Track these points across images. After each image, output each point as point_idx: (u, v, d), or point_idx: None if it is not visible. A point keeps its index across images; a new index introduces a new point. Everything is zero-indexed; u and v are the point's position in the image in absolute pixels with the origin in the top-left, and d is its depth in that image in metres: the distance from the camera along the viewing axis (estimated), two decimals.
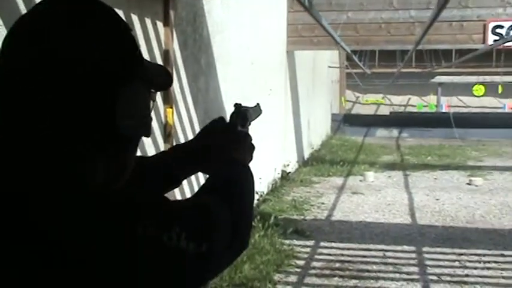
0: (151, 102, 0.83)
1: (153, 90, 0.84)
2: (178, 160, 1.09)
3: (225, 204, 0.84)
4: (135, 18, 3.66)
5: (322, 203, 7.64)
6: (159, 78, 0.85)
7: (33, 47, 0.71)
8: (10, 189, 0.68)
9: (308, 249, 5.44)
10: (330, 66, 16.30)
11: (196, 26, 4.86)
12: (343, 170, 10.40)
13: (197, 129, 4.93)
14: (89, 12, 0.75)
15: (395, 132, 18.38)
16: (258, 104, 1.28)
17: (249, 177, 1.00)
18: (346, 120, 18.98)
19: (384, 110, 23.35)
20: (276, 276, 4.59)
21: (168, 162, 1.09)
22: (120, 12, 3.45)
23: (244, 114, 1.15)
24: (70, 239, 0.66)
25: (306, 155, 11.89)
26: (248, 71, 6.73)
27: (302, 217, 6.79)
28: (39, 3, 0.76)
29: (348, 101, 23.89)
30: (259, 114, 1.25)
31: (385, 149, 14.44)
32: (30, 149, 0.71)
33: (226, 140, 1.07)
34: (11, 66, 0.72)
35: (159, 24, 4.03)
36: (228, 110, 5.80)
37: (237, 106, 1.15)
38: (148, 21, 3.87)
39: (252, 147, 1.12)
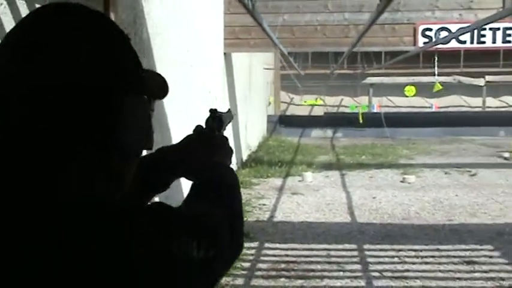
0: (151, 112, 0.80)
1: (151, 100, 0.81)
2: (167, 164, 1.10)
3: (223, 208, 0.85)
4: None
5: (264, 204, 7.69)
6: (157, 87, 0.83)
7: (32, 58, 0.69)
8: (11, 189, 0.68)
9: (253, 251, 5.45)
10: (265, 68, 16.45)
11: (136, 28, 4.77)
12: (282, 171, 10.51)
13: None
14: (87, 23, 0.73)
15: (329, 132, 18.79)
16: (229, 109, 1.29)
17: (236, 178, 1.01)
18: (281, 121, 19.21)
19: (318, 111, 23.80)
20: (223, 280, 4.57)
21: (159, 167, 1.09)
22: None
23: (219, 119, 1.15)
24: (70, 239, 0.64)
25: (244, 156, 11.93)
26: (188, 74, 6.68)
27: (245, 219, 6.79)
28: (40, 13, 0.75)
29: (283, 102, 24.19)
30: (231, 119, 1.25)
31: (320, 149, 14.72)
32: (30, 148, 0.69)
33: (208, 144, 1.08)
34: (11, 71, 0.70)
35: None
36: (169, 114, 5.75)
37: (213, 111, 1.15)
38: None
39: (231, 151, 1.13)
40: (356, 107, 23.09)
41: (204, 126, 1.13)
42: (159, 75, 0.86)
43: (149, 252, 0.67)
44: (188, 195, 0.91)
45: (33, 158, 0.69)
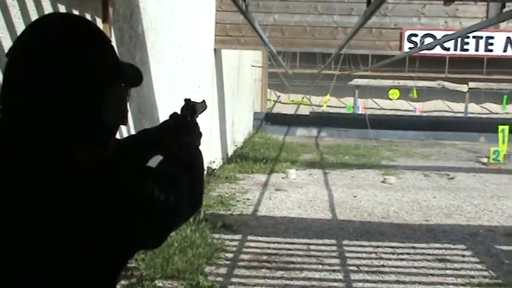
0: (127, 97, 1.07)
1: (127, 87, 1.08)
2: (148, 143, 1.38)
3: (187, 172, 1.12)
4: (76, 13, 3.70)
5: (248, 199, 7.88)
6: (132, 76, 1.09)
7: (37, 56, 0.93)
8: (34, 163, 0.91)
9: (236, 243, 5.64)
10: (253, 66, 16.61)
11: (132, 22, 4.92)
12: (266, 168, 10.71)
13: (131, 124, 5.00)
14: (79, 30, 0.98)
15: (314, 131, 19.02)
16: (204, 100, 1.54)
17: (200, 154, 1.29)
18: (267, 119, 19.40)
19: (304, 110, 24.03)
20: (207, 269, 4.76)
21: (141, 145, 1.38)
22: (62, 8, 3.49)
23: (192, 107, 1.40)
24: (74, 188, 0.90)
25: (230, 152, 12.11)
26: (179, 68, 6.84)
27: (229, 212, 7.00)
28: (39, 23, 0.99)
29: (273, 100, 24.40)
30: (204, 109, 1.49)
31: (305, 147, 14.94)
32: (36, 133, 0.93)
33: (179, 127, 1.34)
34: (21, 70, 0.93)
35: (99, 21, 4.07)
36: (160, 107, 5.90)
37: (187, 100, 1.40)
38: (88, 18, 3.91)
39: (200, 134, 1.40)
40: (352, 107, 23.35)
41: (179, 113, 1.38)
42: (135, 67, 1.12)
43: (125, 191, 0.93)
44: (162, 160, 1.20)
45: (39, 133, 0.93)
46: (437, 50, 9.75)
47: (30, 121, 0.92)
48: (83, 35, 0.97)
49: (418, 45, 9.00)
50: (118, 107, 1.01)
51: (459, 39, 9.55)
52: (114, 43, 4.40)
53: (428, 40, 9.06)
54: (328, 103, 18.41)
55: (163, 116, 6.04)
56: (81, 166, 0.92)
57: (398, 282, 4.69)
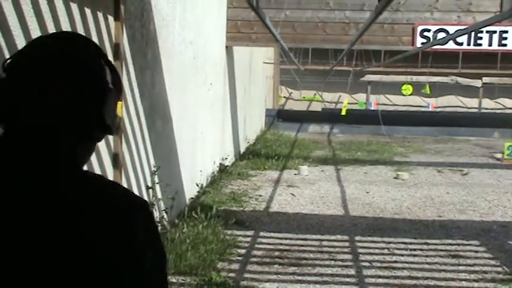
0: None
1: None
2: None
3: None
4: (88, 12, 3.73)
5: (260, 195, 7.89)
6: (118, 83, 1.09)
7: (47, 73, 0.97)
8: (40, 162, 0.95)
9: (248, 239, 5.66)
10: (265, 62, 16.61)
11: (144, 20, 4.95)
12: (278, 164, 10.72)
13: (144, 123, 5.04)
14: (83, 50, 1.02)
15: (326, 128, 18.98)
16: None
17: None
18: (280, 116, 19.39)
19: (316, 107, 23.98)
20: (219, 264, 4.78)
21: None
22: (74, 7, 3.52)
23: None
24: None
25: (242, 149, 12.13)
26: (191, 66, 6.86)
27: (241, 209, 7.02)
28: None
29: (284, 97, 24.38)
30: None
31: (317, 144, 14.93)
32: (46, 137, 0.97)
33: None
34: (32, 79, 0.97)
35: (110, 19, 4.10)
36: (172, 104, 5.93)
37: None
38: (100, 15, 3.94)
39: None
40: (364, 103, 23.22)
41: None
42: (118, 73, 1.11)
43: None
44: None
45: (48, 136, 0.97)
46: (451, 45, 9.66)
47: (49, 124, 0.97)
48: (87, 49, 1.02)
49: (431, 40, 8.94)
50: (113, 113, 1.05)
51: (472, 34, 9.46)
52: (126, 41, 4.43)
53: (441, 35, 9.00)
54: (346, 107, 18.30)
55: (175, 113, 6.07)
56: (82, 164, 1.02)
57: (410, 277, 4.68)
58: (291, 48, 11.62)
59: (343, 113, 17.94)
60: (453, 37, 8.12)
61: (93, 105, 0.98)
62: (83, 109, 0.97)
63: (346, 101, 20.29)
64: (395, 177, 9.73)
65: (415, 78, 22.93)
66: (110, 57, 4.12)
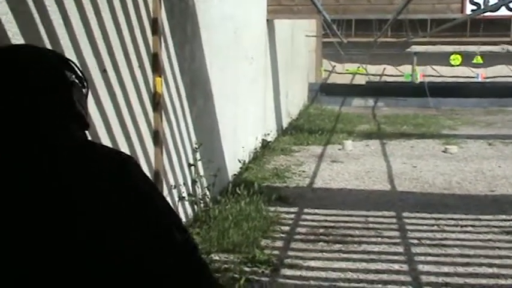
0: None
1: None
2: None
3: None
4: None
5: (303, 171, 7.77)
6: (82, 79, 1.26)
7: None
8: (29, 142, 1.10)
9: (292, 216, 5.56)
10: (307, 35, 16.29)
11: None
12: (322, 139, 10.54)
13: (184, 99, 4.96)
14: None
15: (371, 101, 18.58)
16: None
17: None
18: (322, 90, 19.09)
19: (360, 80, 23.51)
20: (263, 242, 4.71)
21: None
22: None
23: None
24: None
25: (285, 124, 11.99)
26: (231, 40, 6.73)
27: (285, 185, 6.92)
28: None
29: (325, 70, 23.97)
30: None
31: (361, 118, 14.62)
32: (37, 122, 1.12)
33: None
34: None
35: None
36: (212, 79, 5.83)
37: None
38: None
39: None
40: (410, 75, 22.64)
41: None
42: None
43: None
44: None
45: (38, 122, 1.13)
46: (502, 11, 9.17)
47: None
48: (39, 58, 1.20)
49: (482, 6, 8.50)
50: (82, 102, 1.23)
51: None
52: (164, 15, 4.34)
53: (492, 1, 8.54)
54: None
55: (215, 88, 5.97)
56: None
57: (462, 255, 4.49)
58: (334, 20, 11.30)
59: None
60: (506, 3, 7.69)
61: (61, 94, 1.17)
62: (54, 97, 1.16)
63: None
64: (443, 151, 9.42)
65: (463, 48, 22.11)
66: (149, 32, 4.04)
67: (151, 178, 4.11)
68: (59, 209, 1.03)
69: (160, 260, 1.06)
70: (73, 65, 1.23)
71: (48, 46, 2.71)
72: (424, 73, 22.98)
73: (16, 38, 2.44)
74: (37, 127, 1.11)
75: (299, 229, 5.17)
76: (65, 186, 1.05)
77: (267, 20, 9.31)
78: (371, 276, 4.06)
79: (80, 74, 1.24)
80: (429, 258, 4.42)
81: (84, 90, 1.25)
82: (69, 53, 2.91)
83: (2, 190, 1.03)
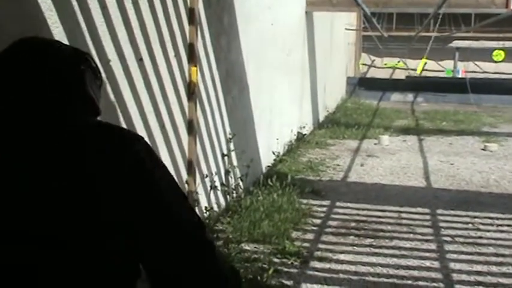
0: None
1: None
2: None
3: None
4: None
5: (338, 165, 7.73)
6: (96, 68, 1.29)
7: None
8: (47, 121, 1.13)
9: (324, 209, 5.56)
10: (346, 29, 16.12)
11: None
12: (358, 133, 10.45)
13: (219, 89, 5.00)
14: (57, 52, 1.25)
15: (410, 96, 18.28)
16: None
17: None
18: (361, 84, 18.88)
19: (400, 74, 23.14)
20: (294, 234, 4.72)
21: None
22: None
23: None
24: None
25: (321, 117, 11.92)
26: (268, 32, 6.73)
27: (318, 178, 6.90)
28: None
29: (364, 64, 23.70)
30: None
31: (399, 113, 14.41)
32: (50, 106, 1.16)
33: None
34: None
35: None
36: (248, 70, 5.85)
37: None
38: None
39: None
40: (452, 71, 22.18)
41: None
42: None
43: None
44: None
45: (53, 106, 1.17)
46: None
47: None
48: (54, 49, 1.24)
49: None
50: (95, 89, 1.25)
51: None
52: (201, 5, 4.37)
53: None
54: (421, 67, 17.31)
55: (251, 80, 5.99)
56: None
57: (496, 255, 4.41)
58: (374, 13, 11.15)
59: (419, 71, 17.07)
60: None
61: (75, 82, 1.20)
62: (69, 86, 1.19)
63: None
64: (482, 149, 9.21)
65: (507, 43, 21.49)
66: (185, 22, 4.08)
67: (184, 167, 4.19)
68: (65, 188, 1.05)
69: (155, 236, 1.07)
70: (87, 57, 1.26)
71: (86, 34, 2.78)
72: (466, 69, 22.45)
73: (55, 26, 2.51)
74: (49, 109, 1.13)
75: (330, 222, 5.16)
76: (75, 161, 1.07)
77: (306, 12, 9.27)
78: (401, 272, 4.02)
79: (94, 65, 1.27)
80: (462, 257, 4.36)
81: (97, 82, 1.28)
82: (107, 41, 2.98)
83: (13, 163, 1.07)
